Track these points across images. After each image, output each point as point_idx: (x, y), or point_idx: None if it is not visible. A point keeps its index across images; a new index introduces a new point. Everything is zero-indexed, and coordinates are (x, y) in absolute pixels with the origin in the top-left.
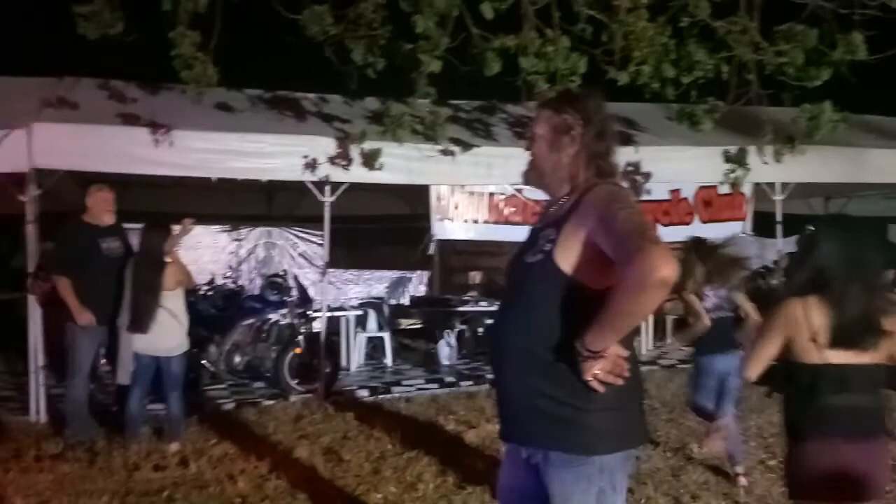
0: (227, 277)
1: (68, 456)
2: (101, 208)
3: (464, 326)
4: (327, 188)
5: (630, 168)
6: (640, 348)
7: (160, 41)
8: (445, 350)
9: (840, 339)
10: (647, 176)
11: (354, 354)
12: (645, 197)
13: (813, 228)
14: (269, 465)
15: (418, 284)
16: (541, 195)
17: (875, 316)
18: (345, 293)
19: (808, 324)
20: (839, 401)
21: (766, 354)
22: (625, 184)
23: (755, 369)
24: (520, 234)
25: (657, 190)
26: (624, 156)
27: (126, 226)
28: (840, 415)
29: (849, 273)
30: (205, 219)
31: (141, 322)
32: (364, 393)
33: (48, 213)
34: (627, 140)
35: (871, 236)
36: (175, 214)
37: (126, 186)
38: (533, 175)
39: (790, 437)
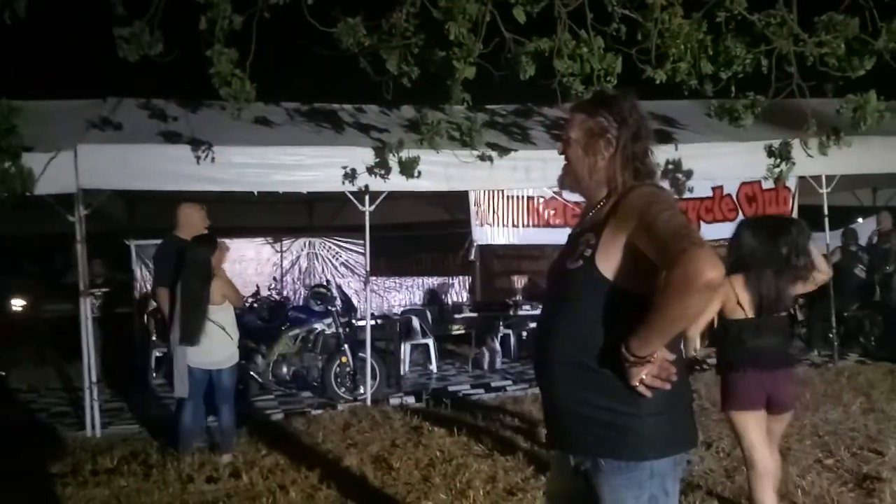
0: (271, 289)
1: (124, 470)
2: (191, 224)
3: (508, 331)
4: (367, 197)
5: (671, 166)
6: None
7: (198, 59)
8: (490, 355)
9: (757, 305)
10: (689, 174)
11: (400, 362)
12: (687, 195)
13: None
14: (319, 475)
15: (461, 290)
16: (580, 197)
17: (781, 290)
18: (388, 301)
19: (735, 294)
20: (756, 343)
21: (705, 317)
22: (666, 183)
23: (696, 329)
24: (561, 236)
25: (699, 187)
26: (664, 154)
27: None
28: (757, 352)
29: (759, 261)
30: (248, 232)
31: (190, 335)
32: (410, 399)
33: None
34: (667, 138)
35: (783, 232)
36: (219, 229)
37: (170, 203)
38: (569, 180)
39: (724, 371)
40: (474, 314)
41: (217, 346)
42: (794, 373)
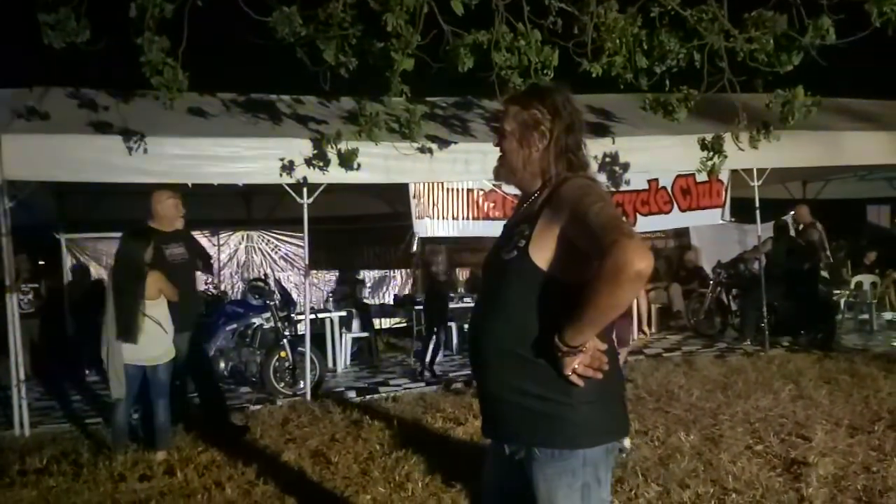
0: (208, 283)
1: (53, 469)
2: (168, 214)
3: (449, 323)
4: (305, 190)
5: (607, 159)
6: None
7: (129, 47)
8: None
9: None
10: (625, 166)
11: (340, 355)
12: (623, 187)
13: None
14: (256, 471)
15: (403, 283)
16: (517, 190)
17: None
18: (327, 294)
19: None
20: None
21: None
22: (602, 175)
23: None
24: (500, 229)
25: (635, 180)
26: (601, 147)
27: (108, 235)
28: None
29: None
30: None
31: (128, 332)
32: (351, 394)
33: (23, 225)
34: (604, 131)
35: None
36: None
37: (102, 195)
38: (504, 171)
39: None
40: (415, 307)
41: (152, 342)
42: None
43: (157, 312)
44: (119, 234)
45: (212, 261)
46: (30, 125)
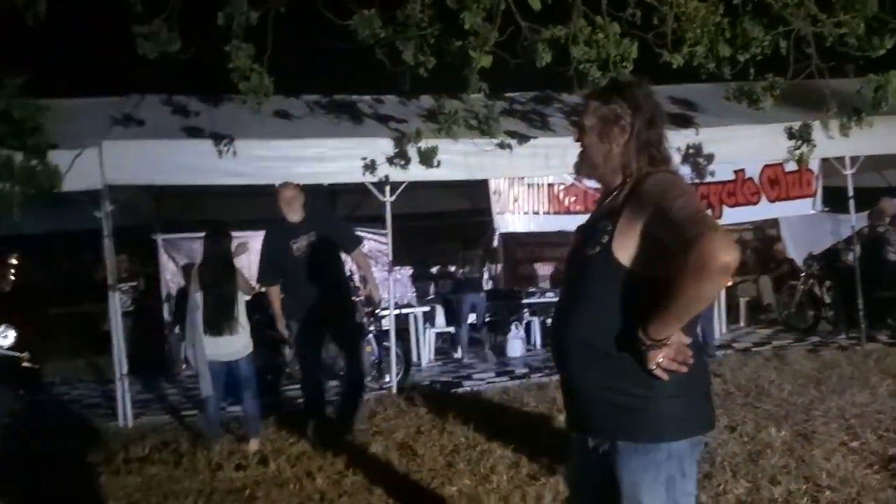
0: None
1: (155, 458)
2: (283, 207)
3: (532, 318)
4: (387, 188)
5: (691, 150)
6: (715, 332)
7: (218, 55)
8: (514, 342)
9: None
10: (710, 157)
11: (424, 350)
12: (708, 179)
13: None
14: (345, 462)
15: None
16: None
17: None
18: (412, 290)
19: None
20: None
21: None
22: (686, 167)
23: None
24: (581, 223)
25: (720, 171)
26: (684, 138)
27: (202, 235)
28: None
29: None
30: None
31: (217, 328)
32: (435, 388)
33: (122, 226)
34: (687, 122)
35: None
36: (242, 222)
37: (196, 197)
38: (585, 167)
39: None
40: (498, 301)
41: (232, 338)
42: None
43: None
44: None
45: (355, 247)
46: (127, 131)
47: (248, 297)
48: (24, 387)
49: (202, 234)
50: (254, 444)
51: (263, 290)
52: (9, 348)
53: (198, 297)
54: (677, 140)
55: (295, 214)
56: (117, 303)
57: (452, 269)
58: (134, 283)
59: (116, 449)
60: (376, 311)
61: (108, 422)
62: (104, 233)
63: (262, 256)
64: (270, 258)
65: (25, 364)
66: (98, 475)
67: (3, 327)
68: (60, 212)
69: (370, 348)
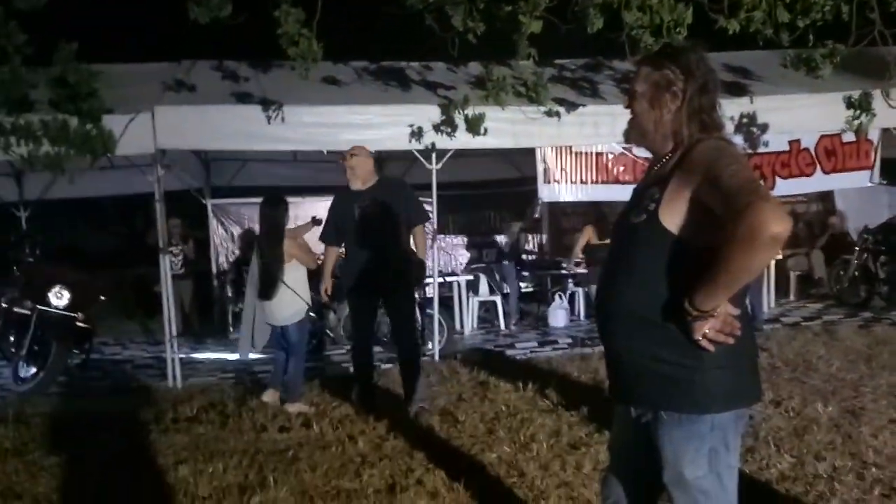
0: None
1: (202, 418)
2: (349, 172)
3: (576, 288)
4: (434, 156)
5: (745, 120)
6: (761, 305)
7: (267, 20)
8: (558, 312)
9: None
10: (764, 127)
11: (467, 319)
12: (762, 149)
13: None
14: (386, 426)
15: (531, 248)
16: (648, 152)
17: None
18: (455, 258)
19: None
20: None
21: None
22: (739, 137)
23: None
24: (630, 193)
25: (775, 141)
26: (738, 107)
27: (250, 200)
28: None
29: None
30: (317, 191)
31: (265, 292)
32: (478, 356)
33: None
34: (741, 90)
35: None
36: (290, 188)
37: (245, 162)
38: (635, 133)
39: None
40: (542, 271)
41: (282, 304)
42: None
43: (290, 277)
44: (258, 199)
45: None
46: (178, 97)
47: (309, 268)
48: (78, 346)
49: (250, 199)
50: (293, 407)
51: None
52: (64, 308)
53: (254, 263)
54: (731, 108)
55: (359, 181)
56: (168, 266)
57: (497, 238)
58: (184, 247)
59: (166, 409)
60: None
61: (158, 382)
62: (155, 197)
63: (327, 217)
64: (334, 221)
65: (80, 324)
66: (148, 433)
67: (58, 287)
68: (114, 176)
69: None
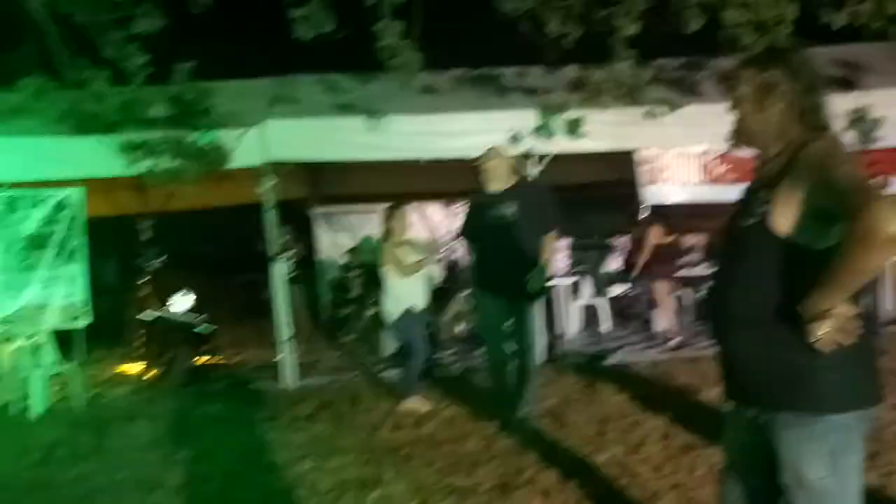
0: (444, 252)
1: (318, 417)
2: (485, 175)
3: (683, 290)
4: (532, 160)
5: (856, 116)
6: (882, 306)
7: (368, 34)
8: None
9: None
10: (877, 122)
11: (569, 322)
12: (876, 145)
13: None
14: (496, 427)
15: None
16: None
17: None
18: (557, 262)
19: None
20: None
21: None
22: (849, 134)
23: None
24: (735, 193)
25: (890, 137)
26: (848, 102)
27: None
28: None
29: None
30: (419, 197)
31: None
32: (583, 359)
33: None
34: (851, 85)
35: None
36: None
37: (349, 171)
38: (741, 136)
39: None
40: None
41: (387, 308)
42: None
43: (392, 281)
44: (362, 207)
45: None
46: (285, 110)
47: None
48: (199, 348)
49: (354, 206)
50: (406, 405)
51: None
52: (186, 312)
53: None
54: (841, 104)
55: (496, 183)
56: (280, 272)
57: (598, 240)
58: (293, 254)
59: (283, 408)
60: None
61: (273, 383)
62: (266, 207)
63: (464, 221)
64: (467, 224)
65: (200, 327)
66: (268, 431)
67: (184, 291)
68: (225, 187)
69: None
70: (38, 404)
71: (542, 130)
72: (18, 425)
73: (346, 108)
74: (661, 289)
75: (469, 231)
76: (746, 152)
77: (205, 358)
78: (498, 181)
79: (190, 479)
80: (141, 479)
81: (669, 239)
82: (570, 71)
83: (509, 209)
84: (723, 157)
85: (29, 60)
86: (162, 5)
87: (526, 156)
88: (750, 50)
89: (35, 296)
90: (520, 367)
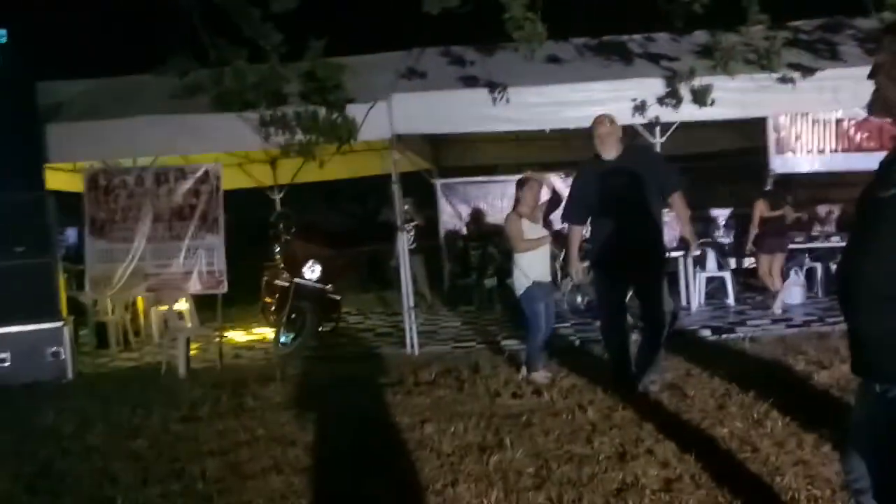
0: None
1: (440, 383)
2: (597, 143)
3: (814, 264)
4: (657, 129)
5: None
6: None
7: (492, 6)
8: (794, 289)
9: None
10: None
11: (694, 294)
12: None
13: None
14: (615, 398)
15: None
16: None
17: None
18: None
19: None
20: None
21: None
22: None
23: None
24: (874, 162)
25: None
26: None
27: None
28: None
29: None
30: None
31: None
32: (706, 332)
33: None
34: None
35: None
36: (513, 166)
37: (471, 143)
38: (878, 105)
39: None
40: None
41: (513, 281)
42: None
43: (522, 255)
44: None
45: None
46: (411, 84)
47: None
48: (328, 315)
49: (476, 178)
50: (535, 377)
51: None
52: (316, 281)
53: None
54: None
55: (610, 151)
56: (405, 242)
57: (723, 211)
58: (416, 224)
59: (406, 374)
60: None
61: (397, 349)
62: (392, 178)
63: (570, 193)
64: (580, 196)
65: (330, 295)
66: (392, 395)
67: (311, 262)
68: (351, 159)
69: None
70: (182, 365)
71: (669, 99)
72: (167, 384)
73: (470, 81)
74: (765, 263)
75: (579, 205)
76: (886, 120)
77: (333, 324)
78: (611, 148)
79: (320, 438)
80: (277, 436)
81: (777, 213)
82: (699, 36)
83: (624, 176)
84: (860, 124)
85: (174, 43)
86: None
87: (651, 124)
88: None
89: (180, 264)
90: (645, 339)
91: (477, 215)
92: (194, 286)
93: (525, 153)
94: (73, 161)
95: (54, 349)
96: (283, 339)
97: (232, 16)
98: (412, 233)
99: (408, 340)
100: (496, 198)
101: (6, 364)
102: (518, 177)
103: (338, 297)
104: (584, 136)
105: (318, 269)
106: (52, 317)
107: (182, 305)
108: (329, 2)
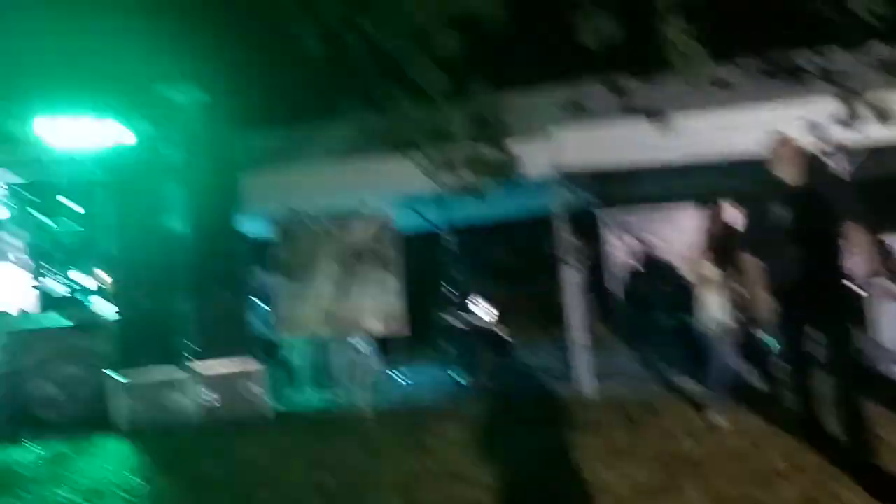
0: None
1: (614, 423)
2: (778, 166)
3: None
4: (841, 151)
5: None
6: None
7: (648, 31)
8: None
9: None
10: None
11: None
12: None
13: None
14: (800, 441)
15: None
16: None
17: None
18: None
19: None
20: None
21: None
22: None
23: None
24: None
25: None
26: None
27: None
28: None
29: None
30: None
31: None
32: None
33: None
34: None
35: None
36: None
37: (634, 172)
38: None
39: None
40: None
41: (695, 319)
42: None
43: (703, 293)
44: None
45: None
46: (574, 116)
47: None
48: (500, 353)
49: (641, 208)
50: (713, 418)
51: None
52: (489, 320)
53: None
54: None
55: (791, 175)
56: (572, 278)
57: None
58: (583, 259)
59: (578, 412)
60: None
61: (569, 387)
62: (557, 214)
63: (748, 224)
64: (756, 225)
65: (502, 334)
66: (564, 434)
67: (484, 302)
68: (516, 197)
69: None
70: (364, 401)
71: (847, 118)
72: (351, 420)
73: (633, 111)
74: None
75: (755, 230)
76: None
77: (505, 362)
78: (789, 175)
79: (491, 476)
80: (450, 472)
81: None
82: (877, 48)
83: (807, 205)
84: None
85: (345, 90)
86: (457, 26)
87: (829, 148)
88: None
89: (356, 303)
90: (833, 378)
91: (644, 247)
92: (376, 327)
93: (695, 182)
94: (264, 208)
95: (256, 389)
96: (456, 378)
97: (398, 59)
98: (581, 268)
99: (580, 378)
100: (664, 228)
101: (218, 405)
102: (688, 207)
103: (509, 336)
104: (756, 162)
105: (491, 308)
106: (253, 359)
107: (363, 347)
108: (486, 38)
